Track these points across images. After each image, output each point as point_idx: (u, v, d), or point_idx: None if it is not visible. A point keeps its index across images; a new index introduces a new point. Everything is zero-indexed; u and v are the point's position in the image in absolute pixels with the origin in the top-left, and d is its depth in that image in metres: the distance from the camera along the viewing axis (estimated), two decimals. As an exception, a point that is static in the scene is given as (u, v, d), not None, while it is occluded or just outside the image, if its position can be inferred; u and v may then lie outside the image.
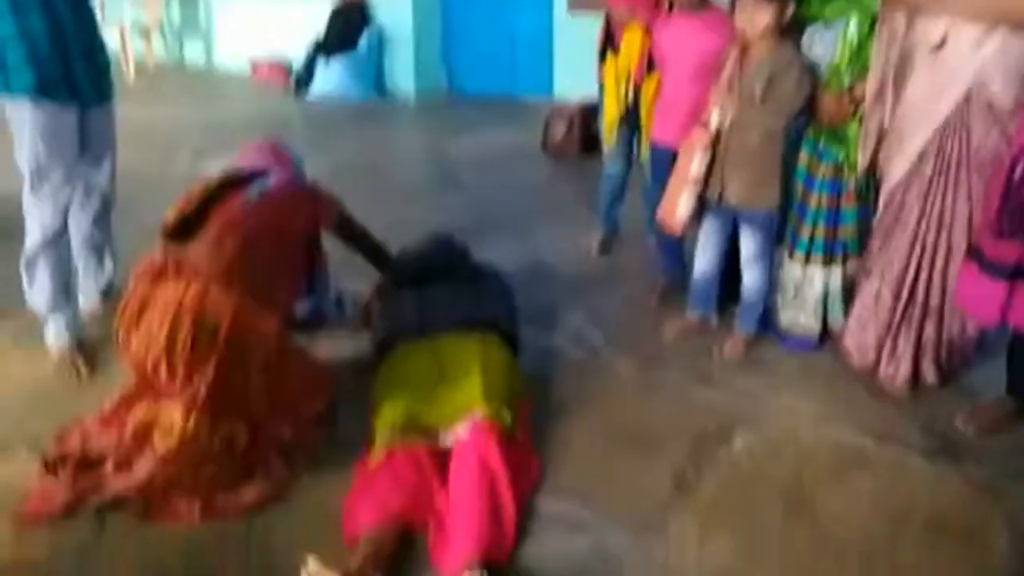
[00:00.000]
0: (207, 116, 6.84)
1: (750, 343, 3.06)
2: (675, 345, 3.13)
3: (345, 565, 1.88)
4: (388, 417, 2.34)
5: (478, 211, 4.54)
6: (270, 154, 2.85)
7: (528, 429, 2.50)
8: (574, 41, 6.48)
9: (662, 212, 2.98)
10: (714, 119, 2.76)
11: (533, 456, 2.41)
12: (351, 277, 3.24)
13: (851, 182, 2.78)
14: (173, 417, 2.17)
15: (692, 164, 2.80)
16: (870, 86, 2.58)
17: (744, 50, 2.74)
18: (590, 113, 5.43)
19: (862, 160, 2.68)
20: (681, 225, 2.93)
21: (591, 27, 4.01)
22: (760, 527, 2.18)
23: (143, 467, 2.18)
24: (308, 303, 2.98)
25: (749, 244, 2.94)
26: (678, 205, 2.87)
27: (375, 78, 7.63)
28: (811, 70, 2.69)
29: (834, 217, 2.85)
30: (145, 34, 8.55)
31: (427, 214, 4.31)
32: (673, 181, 2.92)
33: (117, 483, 2.20)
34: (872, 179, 2.77)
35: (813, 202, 2.85)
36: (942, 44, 2.37)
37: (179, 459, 2.17)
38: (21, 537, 2.14)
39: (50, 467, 2.28)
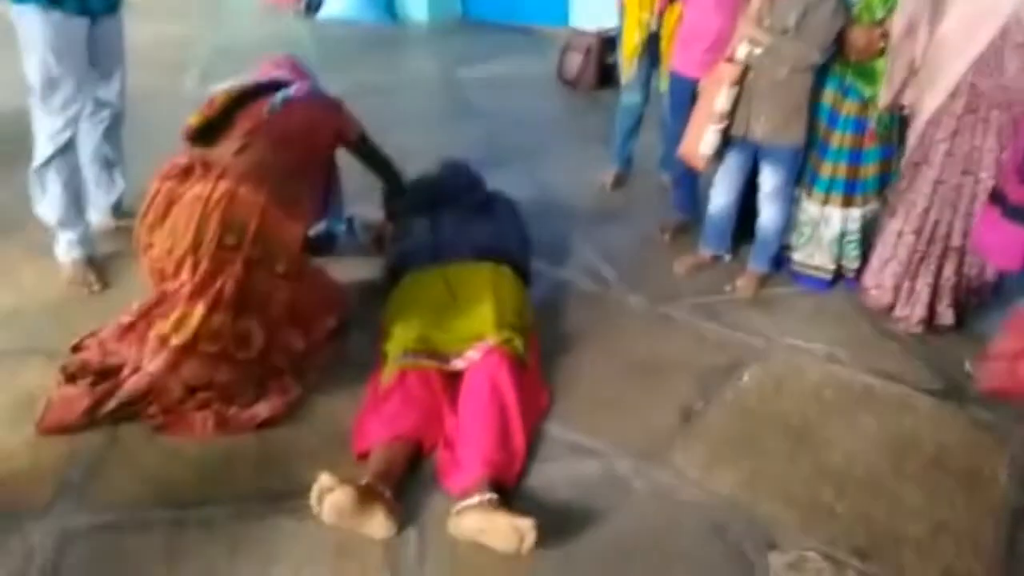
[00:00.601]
0: (215, 36, 6.69)
1: (763, 281, 3.05)
2: (687, 281, 3.11)
3: (355, 480, 1.91)
4: (400, 339, 2.35)
5: (491, 140, 4.48)
6: (290, 68, 2.82)
7: (538, 359, 2.52)
8: (593, -31, 6.29)
9: (685, 148, 2.92)
10: (742, 52, 2.68)
11: (543, 385, 2.43)
12: (364, 204, 3.21)
13: (875, 120, 2.72)
14: (189, 311, 2.18)
15: (718, 99, 2.73)
16: (898, 21, 2.49)
17: None
18: (607, 43, 5.31)
19: (886, 96, 2.61)
20: (704, 161, 2.88)
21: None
22: (764, 459, 2.21)
23: (157, 361, 2.20)
24: (322, 224, 2.96)
25: (770, 180, 2.89)
26: (702, 141, 2.81)
27: (387, 2, 7.44)
28: (843, 1, 2.61)
29: (856, 156, 2.80)
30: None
31: (439, 142, 4.25)
32: (696, 116, 2.86)
33: (131, 384, 2.22)
34: (896, 118, 2.71)
35: (836, 140, 2.79)
36: None
37: (194, 351, 2.19)
38: (38, 445, 2.17)
39: (69, 377, 2.30)
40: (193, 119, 2.45)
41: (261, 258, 2.24)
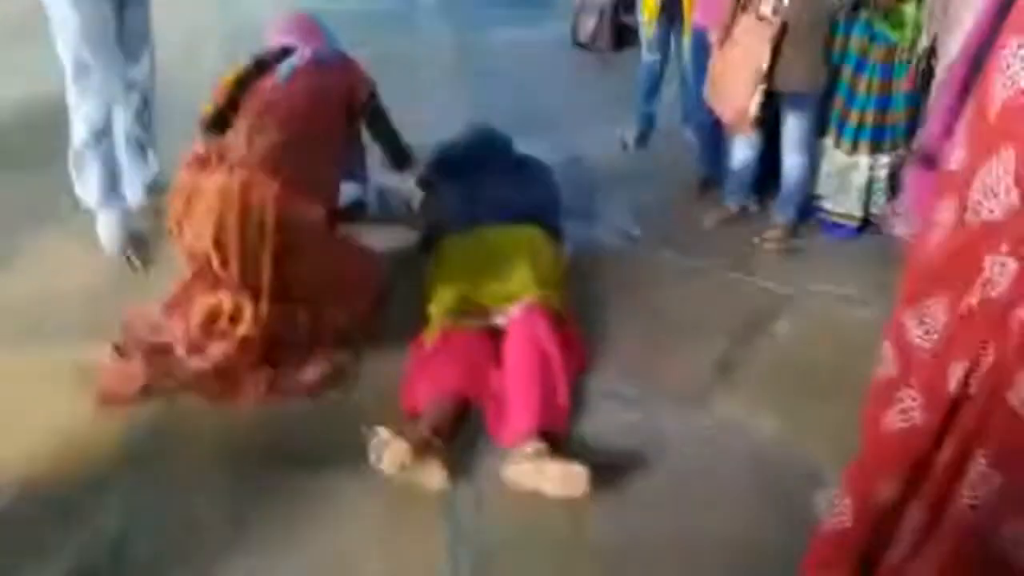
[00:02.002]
0: (231, 16, 6.69)
1: (791, 231, 3.07)
2: (715, 234, 3.15)
3: (408, 434, 1.98)
4: (442, 301, 2.41)
5: (511, 106, 4.47)
6: (298, 30, 2.71)
7: (574, 317, 2.56)
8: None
9: (732, 116, 2.87)
10: (767, 8, 2.66)
11: (581, 341, 2.47)
12: (390, 172, 3.23)
13: (904, 65, 2.71)
14: (243, 307, 2.25)
15: (762, 59, 2.68)
16: None
17: None
18: (621, 3, 5.28)
19: (925, 40, 2.60)
20: (753, 123, 2.82)
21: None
22: (804, 402, 2.26)
23: (219, 350, 2.27)
24: (350, 188, 2.96)
25: (797, 128, 2.90)
26: (751, 104, 2.75)
27: (398, -27, 7.41)
28: None
29: (884, 102, 2.80)
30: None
31: (459, 110, 4.25)
32: (732, 80, 2.79)
33: (194, 364, 2.29)
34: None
35: (863, 87, 2.80)
36: None
37: (255, 344, 2.28)
38: (96, 420, 2.24)
39: (121, 352, 2.37)
40: (206, 107, 2.45)
41: (288, 244, 2.26)
